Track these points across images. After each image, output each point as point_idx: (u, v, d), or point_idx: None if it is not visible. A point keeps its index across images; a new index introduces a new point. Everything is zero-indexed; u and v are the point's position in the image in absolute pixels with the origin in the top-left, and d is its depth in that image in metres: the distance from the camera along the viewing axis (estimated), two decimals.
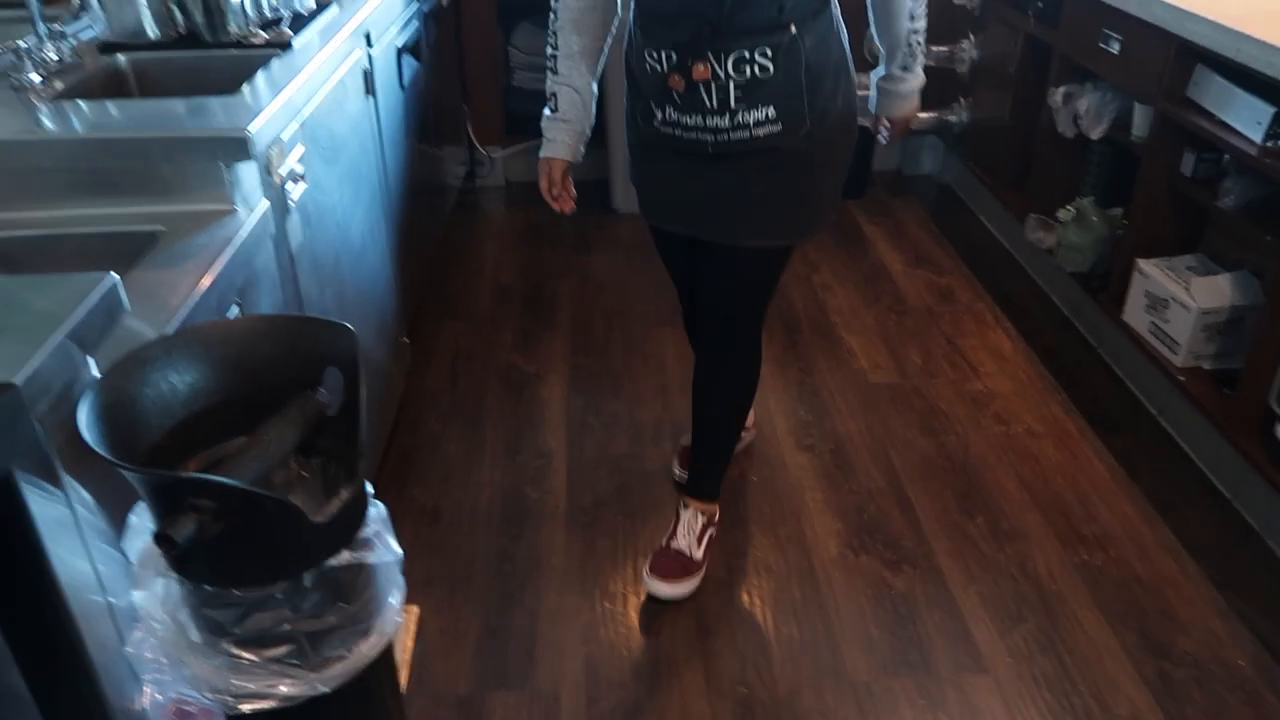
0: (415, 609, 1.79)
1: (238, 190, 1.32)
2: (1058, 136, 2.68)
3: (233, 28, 1.69)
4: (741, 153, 1.55)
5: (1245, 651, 1.71)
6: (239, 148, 1.29)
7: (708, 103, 1.51)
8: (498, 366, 2.56)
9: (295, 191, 1.53)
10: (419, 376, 2.48)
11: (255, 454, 0.87)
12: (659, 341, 2.65)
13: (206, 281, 1.14)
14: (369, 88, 2.05)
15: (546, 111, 1.68)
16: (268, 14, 1.79)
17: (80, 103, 1.45)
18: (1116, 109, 2.49)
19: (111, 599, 0.88)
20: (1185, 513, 2.02)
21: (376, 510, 0.97)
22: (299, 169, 1.54)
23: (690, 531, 1.86)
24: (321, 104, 1.69)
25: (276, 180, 1.44)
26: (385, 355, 2.18)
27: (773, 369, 2.51)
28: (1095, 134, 2.51)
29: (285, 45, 1.68)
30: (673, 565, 1.84)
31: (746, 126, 1.52)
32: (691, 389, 1.87)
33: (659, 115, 1.58)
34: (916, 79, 1.75)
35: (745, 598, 1.85)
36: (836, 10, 1.55)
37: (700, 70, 1.48)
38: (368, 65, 2.04)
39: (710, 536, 1.89)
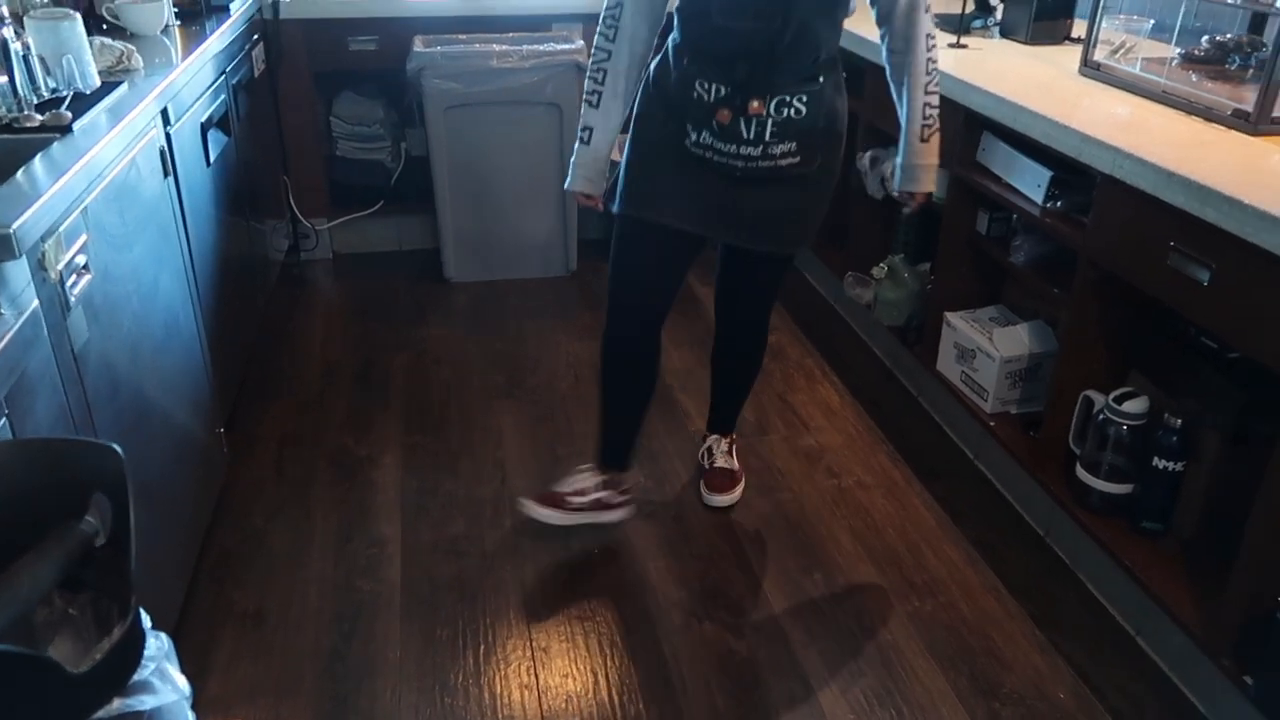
0: None
1: (3, 292, 1.20)
2: (868, 198, 2.83)
3: (2, 110, 1.56)
4: (764, 178, 1.81)
5: (1064, 684, 1.80)
6: (2, 247, 1.18)
7: (745, 134, 1.75)
8: (327, 450, 2.44)
9: (78, 286, 1.41)
10: (241, 466, 2.34)
11: (4, 600, 0.77)
12: (496, 414, 2.59)
13: None
14: (167, 168, 1.93)
15: (578, 144, 1.90)
16: (45, 94, 1.67)
17: None
18: None
19: None
20: (1004, 553, 2.12)
21: (158, 642, 0.88)
22: (81, 260, 1.43)
23: (724, 452, 2.31)
24: (108, 189, 1.58)
25: (53, 276, 1.33)
26: (198, 448, 2.04)
27: None
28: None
29: (64, 129, 1.56)
30: (724, 480, 2.27)
31: (773, 157, 1.78)
32: (712, 360, 2.28)
33: (693, 136, 1.80)
34: (935, 157, 1.90)
35: (591, 679, 1.80)
36: (840, 65, 1.83)
37: (755, 106, 1.72)
38: (164, 144, 1.93)
39: (736, 448, 2.33)
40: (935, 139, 1.88)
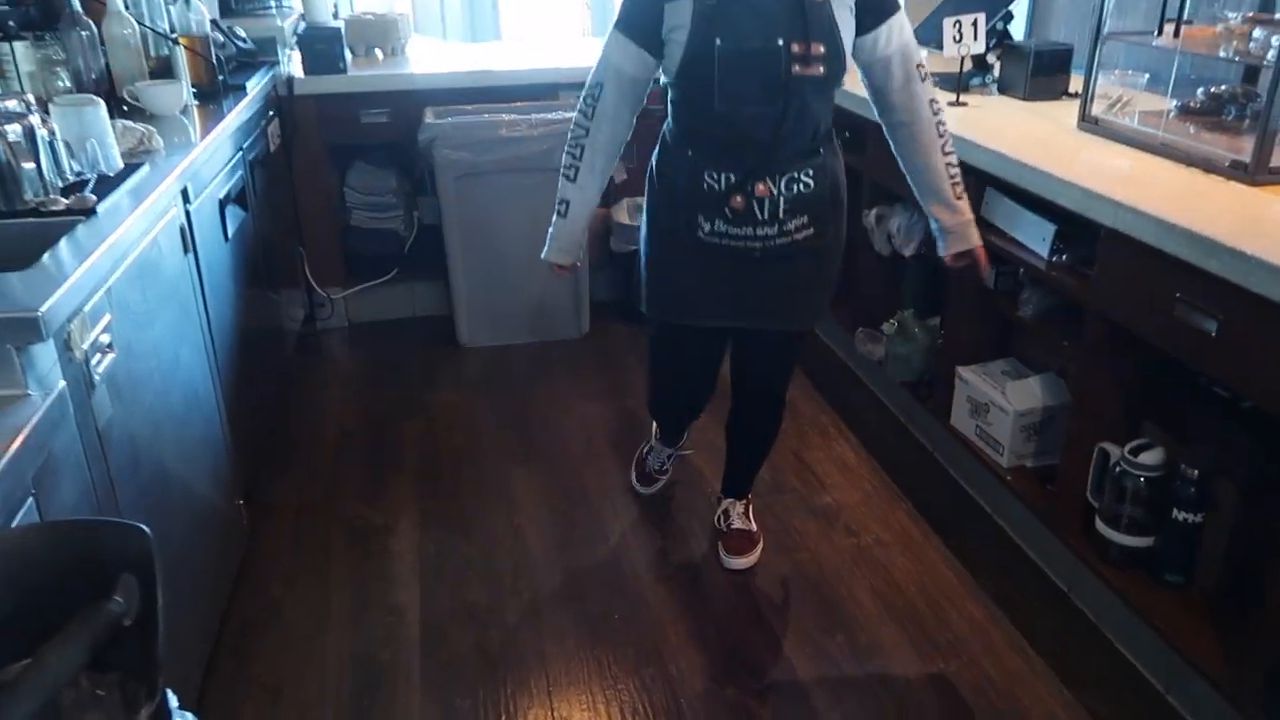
0: None
1: (30, 373, 1.23)
2: (876, 254, 2.86)
3: (29, 194, 1.61)
4: (782, 255, 1.84)
5: None
6: (30, 329, 1.21)
7: (759, 215, 1.79)
8: (342, 519, 2.45)
9: (102, 364, 1.44)
10: (259, 537, 2.34)
11: (32, 683, 0.78)
12: (511, 478, 2.60)
13: None
14: (187, 245, 1.98)
15: (555, 217, 1.95)
16: (70, 177, 1.72)
17: None
18: (924, 228, 2.68)
19: None
20: (1027, 609, 2.10)
21: None
22: (105, 339, 1.46)
23: (741, 514, 2.30)
24: (131, 268, 1.62)
25: (78, 356, 1.35)
26: (219, 520, 2.05)
27: (627, 497, 2.51)
28: (907, 252, 2.69)
29: (89, 211, 1.60)
30: (742, 542, 2.26)
31: (789, 233, 1.82)
32: (727, 428, 2.28)
33: (707, 227, 1.83)
34: (968, 210, 1.90)
35: None
36: (833, 131, 1.87)
37: (760, 189, 1.77)
38: (185, 222, 1.98)
39: (753, 509, 2.34)
40: (965, 195, 1.89)
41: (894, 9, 1.77)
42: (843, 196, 1.90)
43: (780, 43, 1.67)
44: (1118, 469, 1.95)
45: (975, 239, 1.91)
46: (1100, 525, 2.00)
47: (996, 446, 2.36)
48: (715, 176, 1.78)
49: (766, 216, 1.79)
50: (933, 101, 1.83)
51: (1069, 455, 2.10)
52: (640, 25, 1.75)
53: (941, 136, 1.84)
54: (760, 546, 2.27)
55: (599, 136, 1.85)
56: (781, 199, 1.78)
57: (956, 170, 1.87)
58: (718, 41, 1.67)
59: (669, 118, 1.86)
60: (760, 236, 1.81)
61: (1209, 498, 1.83)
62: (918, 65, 1.80)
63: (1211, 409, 1.94)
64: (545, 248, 1.98)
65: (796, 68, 1.67)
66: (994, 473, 2.35)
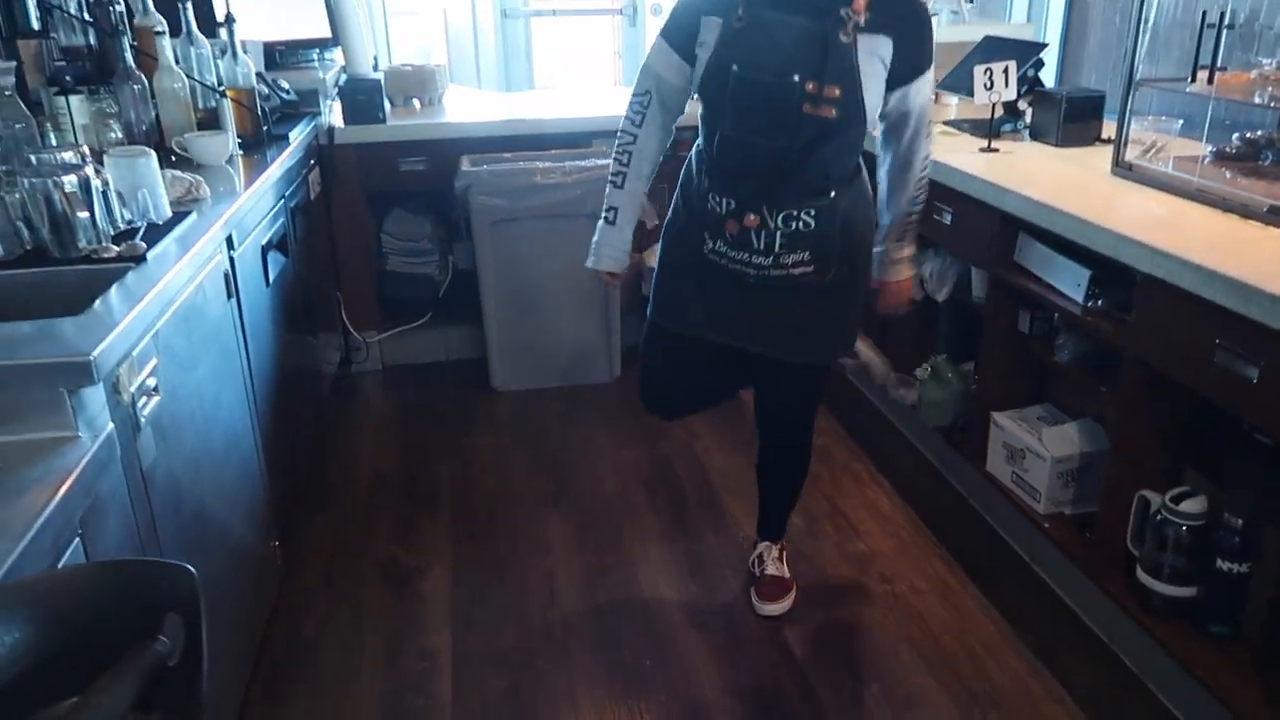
0: None
1: (81, 415, 1.26)
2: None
3: (83, 243, 1.66)
4: (777, 286, 1.85)
5: None
6: (82, 373, 1.24)
7: (756, 244, 1.81)
8: (376, 561, 2.46)
9: (148, 407, 1.47)
10: (293, 577, 2.36)
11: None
12: (543, 522, 2.60)
13: (42, 520, 1.07)
14: (231, 290, 2.03)
15: (602, 224, 1.98)
16: (121, 225, 1.77)
17: None
18: (957, 273, 2.68)
19: None
20: (1067, 660, 2.06)
21: None
22: (151, 383, 1.49)
23: (775, 559, 2.29)
24: (177, 313, 1.66)
25: (125, 399, 1.39)
26: (254, 561, 2.07)
27: (660, 542, 2.50)
28: (940, 296, 2.69)
29: (139, 258, 1.65)
30: (776, 589, 2.24)
31: (785, 266, 1.83)
32: (756, 467, 2.29)
33: (709, 244, 1.87)
34: (908, 249, 2.03)
35: None
36: (866, 175, 1.90)
37: (750, 220, 1.78)
38: (229, 268, 2.03)
39: (786, 555, 2.32)
40: (911, 234, 2.01)
41: (926, 66, 1.80)
42: (858, 242, 1.90)
43: (795, 79, 1.68)
44: (1159, 517, 1.91)
45: (898, 275, 2.04)
46: (1141, 575, 1.97)
47: (1033, 493, 2.33)
48: (717, 200, 1.82)
49: (762, 247, 1.81)
50: (925, 156, 1.93)
51: (1108, 503, 2.07)
52: (679, 34, 1.82)
53: (919, 188, 1.96)
54: (794, 593, 2.25)
55: (648, 143, 1.92)
56: (778, 233, 1.79)
57: (915, 216, 1.99)
58: (734, 67, 1.71)
59: (699, 136, 1.90)
60: (754, 264, 1.83)
61: (1254, 547, 1.80)
62: (929, 121, 1.89)
63: (1254, 456, 1.91)
64: (591, 257, 2.01)
65: (807, 106, 1.68)
66: (1031, 520, 2.32)
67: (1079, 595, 2.19)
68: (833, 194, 1.79)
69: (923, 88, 1.81)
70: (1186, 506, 1.88)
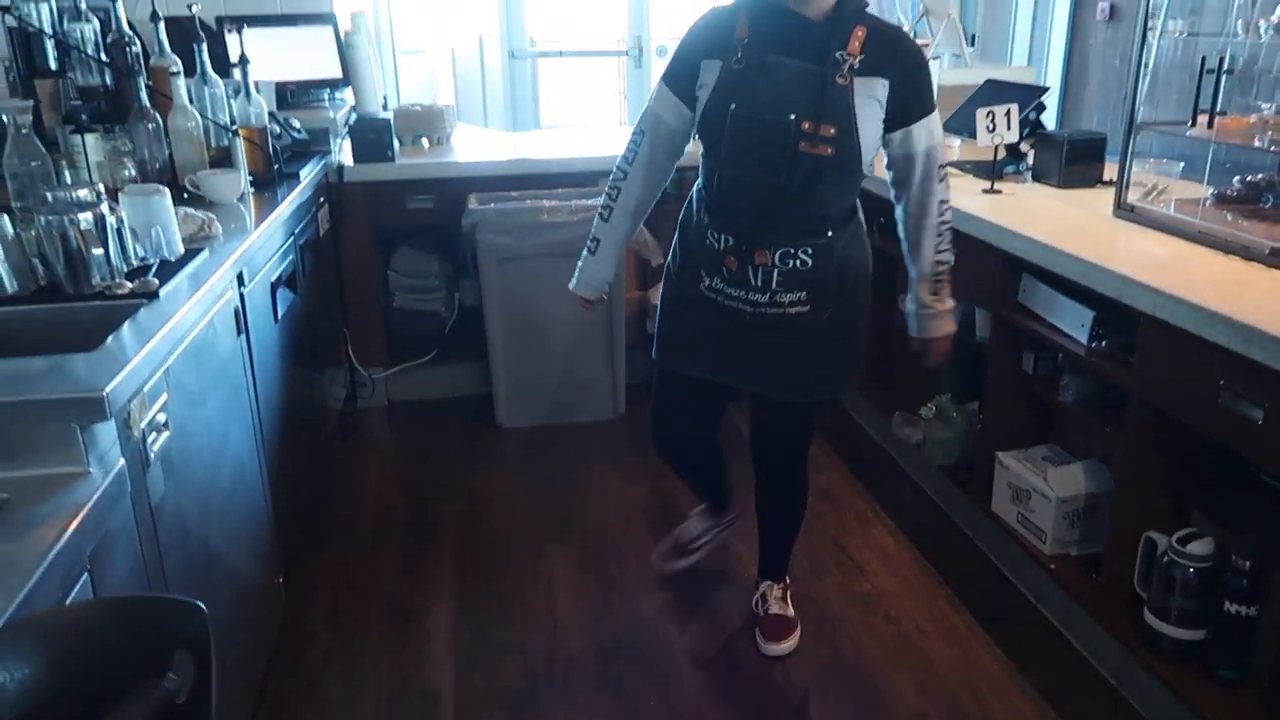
0: None
1: (92, 451, 1.27)
2: (912, 338, 2.86)
3: (97, 279, 1.68)
4: (773, 325, 1.87)
5: None
6: (94, 408, 1.26)
7: (753, 281, 1.84)
8: (380, 597, 2.45)
9: (158, 442, 1.48)
10: (297, 613, 2.35)
11: None
12: (548, 560, 2.60)
13: (52, 555, 1.07)
14: (240, 327, 2.04)
15: (585, 253, 2.05)
16: (134, 262, 1.79)
17: None
18: (961, 313, 2.68)
19: None
20: (1075, 703, 2.04)
21: None
22: (161, 418, 1.51)
23: (778, 599, 2.27)
24: (188, 349, 1.67)
25: (136, 434, 1.40)
26: (259, 597, 2.07)
27: (663, 580, 2.49)
28: None
29: (152, 294, 1.67)
30: (780, 628, 2.23)
31: (781, 305, 1.85)
32: (755, 505, 2.28)
33: (706, 281, 1.90)
34: (947, 303, 1.99)
35: None
36: (862, 218, 1.92)
37: (760, 258, 1.81)
38: (239, 304, 2.04)
39: (790, 595, 2.30)
40: (946, 289, 1.97)
41: (927, 110, 1.81)
42: (856, 281, 1.91)
43: (792, 118, 1.72)
44: (1165, 559, 1.91)
45: (937, 331, 2.01)
46: (1149, 617, 1.96)
47: (1039, 534, 2.32)
48: (716, 236, 1.86)
49: (759, 284, 1.84)
50: (942, 202, 1.89)
51: (1114, 544, 2.07)
52: (679, 78, 1.86)
53: (940, 235, 1.91)
54: (798, 633, 2.24)
55: (635, 181, 1.97)
56: (775, 271, 1.82)
57: (945, 267, 1.94)
58: (732, 106, 1.75)
59: (700, 174, 1.94)
60: (751, 301, 1.86)
61: (1262, 590, 1.79)
62: (940, 166, 1.86)
63: (1260, 497, 1.90)
64: (574, 279, 2.08)
65: (803, 145, 1.72)
66: (1037, 561, 2.31)
67: (1086, 637, 2.18)
68: (830, 234, 1.82)
69: (926, 131, 1.82)
70: (1194, 548, 1.87)
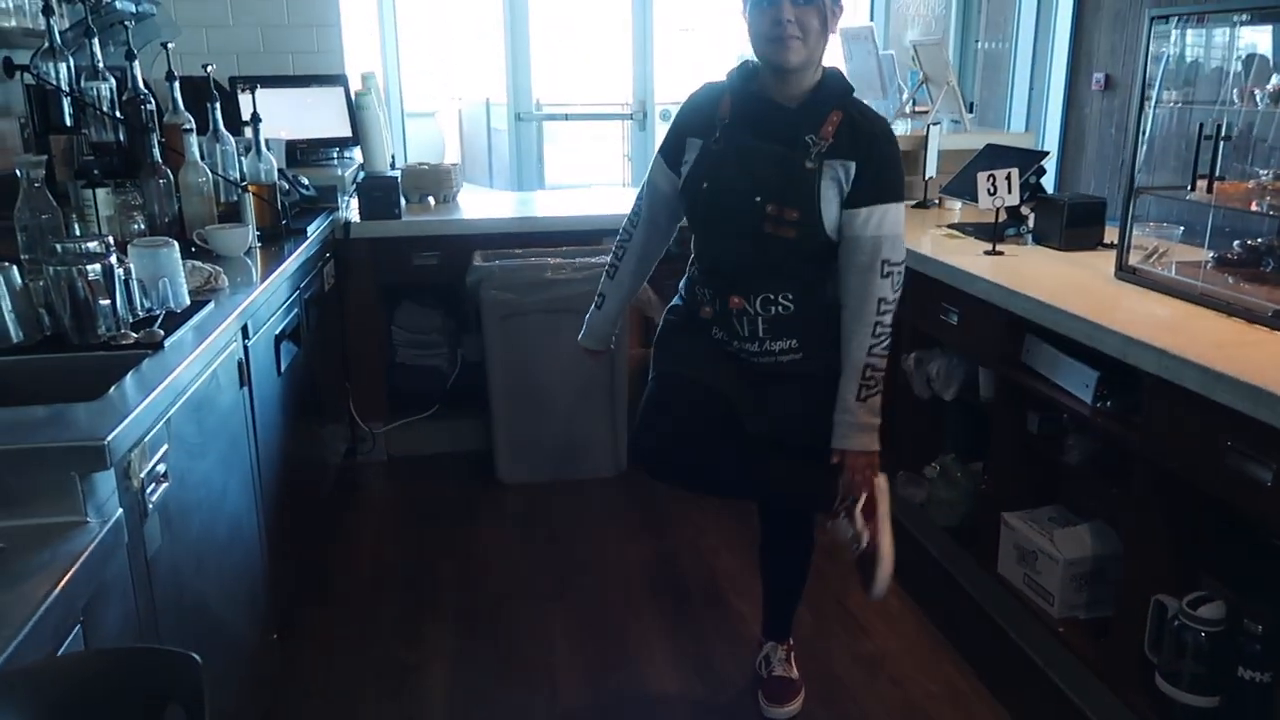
0: None
1: (91, 500, 1.26)
2: (916, 397, 2.86)
3: (102, 329, 1.68)
4: (769, 373, 1.89)
5: None
6: (94, 457, 1.25)
7: (740, 330, 1.87)
8: (376, 656, 2.40)
9: (156, 493, 1.47)
10: (292, 672, 2.30)
11: None
12: (546, 619, 2.55)
13: (46, 606, 1.06)
14: (243, 379, 2.04)
15: (593, 308, 2.17)
16: (140, 313, 1.80)
17: None
18: (965, 372, 2.69)
19: None
20: None
21: None
22: (161, 469, 1.49)
23: (782, 660, 2.24)
24: (190, 400, 1.67)
25: (135, 484, 1.39)
26: (253, 654, 2.03)
27: (664, 640, 2.45)
28: (947, 395, 2.69)
29: (156, 345, 1.67)
30: (784, 690, 2.19)
31: (772, 353, 1.87)
32: (759, 561, 2.26)
33: (704, 311, 1.94)
34: (872, 418, 1.82)
35: None
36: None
37: (735, 302, 1.85)
38: (243, 357, 2.05)
39: (794, 656, 2.26)
40: (875, 401, 1.82)
41: (886, 198, 1.77)
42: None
43: (758, 200, 1.77)
44: (1176, 623, 1.88)
45: (854, 444, 1.82)
46: (1161, 682, 1.92)
47: (1046, 596, 2.29)
48: (702, 292, 1.93)
49: (747, 333, 1.87)
50: (882, 300, 1.78)
51: (1123, 607, 2.04)
52: (670, 150, 1.95)
53: (876, 337, 1.79)
54: (802, 695, 2.20)
55: (638, 242, 2.07)
56: (760, 318, 1.85)
57: (877, 375, 1.81)
58: (704, 185, 1.82)
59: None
60: (745, 350, 1.89)
61: (1276, 655, 1.75)
62: (884, 260, 1.77)
63: (1271, 559, 1.88)
64: (582, 332, 2.20)
65: (769, 226, 1.77)
66: (1044, 624, 2.28)
67: (1096, 702, 2.13)
68: (808, 279, 1.84)
69: (877, 218, 1.75)
70: (1204, 612, 1.84)
